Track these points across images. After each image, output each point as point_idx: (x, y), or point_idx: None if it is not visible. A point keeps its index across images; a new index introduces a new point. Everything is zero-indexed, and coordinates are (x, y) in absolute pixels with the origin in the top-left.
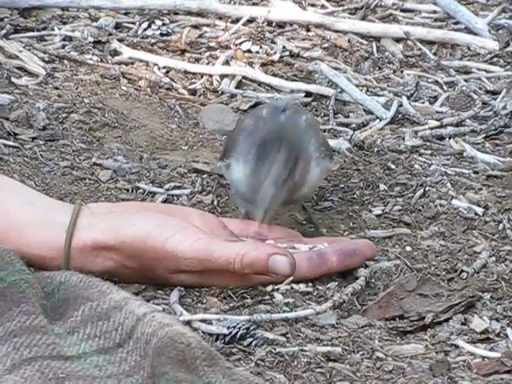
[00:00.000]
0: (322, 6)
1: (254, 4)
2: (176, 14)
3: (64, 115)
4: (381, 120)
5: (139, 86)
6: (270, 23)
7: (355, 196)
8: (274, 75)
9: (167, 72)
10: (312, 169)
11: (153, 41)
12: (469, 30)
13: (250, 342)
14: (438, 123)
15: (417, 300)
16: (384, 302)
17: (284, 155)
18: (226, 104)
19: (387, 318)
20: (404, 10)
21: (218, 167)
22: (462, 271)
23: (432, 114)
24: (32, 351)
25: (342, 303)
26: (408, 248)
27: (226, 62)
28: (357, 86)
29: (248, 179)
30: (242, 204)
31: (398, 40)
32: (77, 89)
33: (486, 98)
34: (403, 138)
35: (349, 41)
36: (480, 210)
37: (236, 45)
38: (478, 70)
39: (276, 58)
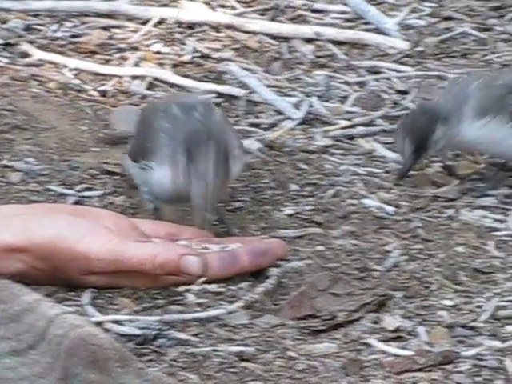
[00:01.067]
0: (232, 7)
1: (163, 5)
2: (86, 15)
3: None
4: (291, 120)
5: (49, 88)
6: (180, 24)
7: (266, 196)
8: (185, 76)
9: (77, 74)
10: (234, 164)
11: (63, 42)
12: (379, 31)
13: (163, 343)
14: (348, 123)
15: (329, 299)
16: (296, 301)
17: (215, 154)
18: (137, 105)
19: (299, 317)
20: (314, 11)
21: (131, 167)
22: (374, 270)
23: (342, 114)
24: None
25: (254, 302)
26: (320, 247)
27: (137, 64)
28: (267, 86)
29: (179, 182)
30: (154, 204)
31: (308, 40)
32: None
33: (396, 97)
34: (314, 138)
35: (259, 41)
36: (391, 209)
37: (146, 46)
38: (388, 69)
39: (186, 59)
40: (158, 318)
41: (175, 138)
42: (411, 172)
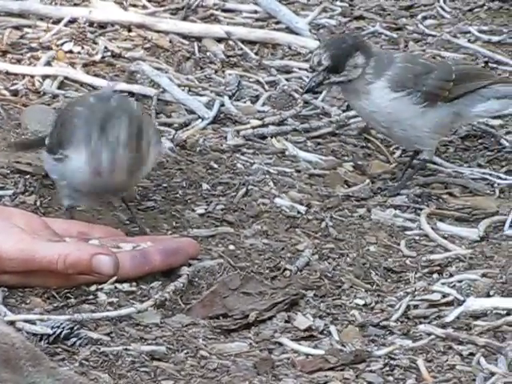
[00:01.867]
0: (143, 7)
1: (75, 5)
2: None
3: None
4: (203, 120)
5: None
6: (91, 24)
7: (178, 195)
8: (96, 75)
9: None
10: (151, 150)
11: None
12: (290, 30)
13: (74, 342)
14: (259, 122)
15: (240, 298)
16: (208, 300)
17: (128, 128)
18: (48, 105)
19: (211, 316)
20: (225, 10)
21: (48, 162)
22: (286, 269)
23: (254, 114)
24: None
25: (164, 301)
26: (231, 247)
27: (48, 63)
28: (179, 85)
29: (95, 162)
30: (68, 198)
31: (219, 40)
32: None
33: (308, 97)
34: (225, 138)
35: (170, 41)
36: (303, 209)
37: (58, 45)
38: (300, 69)
39: (98, 58)
40: (69, 317)
41: (89, 121)
42: (322, 171)
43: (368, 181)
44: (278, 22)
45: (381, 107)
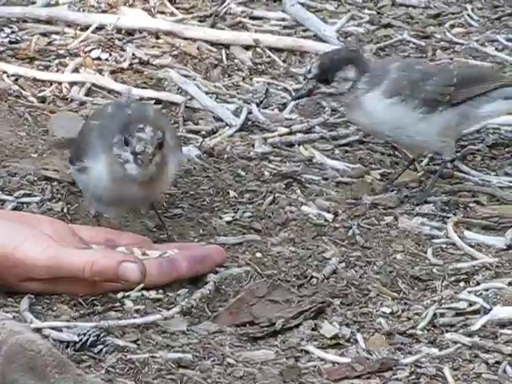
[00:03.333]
0: (172, 14)
1: (103, 11)
2: (25, 21)
3: None
4: (230, 127)
5: None
6: (119, 31)
7: (205, 203)
8: (124, 82)
9: (16, 80)
10: (170, 159)
11: (1, 48)
12: (318, 38)
13: (101, 349)
14: (287, 130)
15: (267, 306)
16: (234, 308)
17: (146, 136)
18: (76, 111)
19: (238, 324)
20: (253, 18)
21: (72, 171)
22: (312, 277)
23: (281, 121)
24: None
25: (191, 308)
26: (258, 254)
27: (76, 70)
28: (206, 93)
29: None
30: (94, 206)
31: (247, 47)
32: None
33: (335, 104)
34: (253, 145)
35: (198, 48)
36: (330, 217)
37: (85, 52)
38: None
39: (125, 65)
40: (95, 324)
41: (105, 133)
42: (350, 179)
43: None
44: (305, 30)
45: (376, 117)
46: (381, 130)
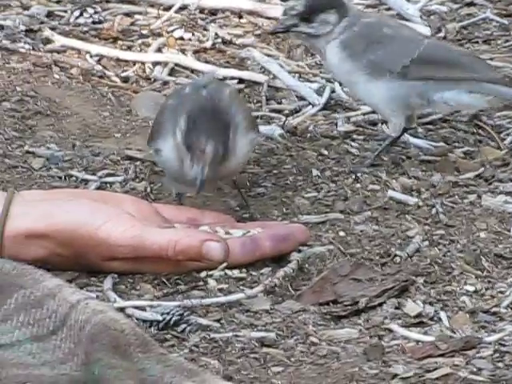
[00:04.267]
0: None
1: None
2: (108, 1)
3: None
4: (313, 106)
5: (71, 74)
6: (202, 10)
7: (288, 182)
8: (207, 62)
9: (99, 60)
10: (239, 140)
11: (85, 29)
12: (400, 16)
13: (184, 328)
14: (370, 109)
15: (350, 285)
16: (318, 286)
17: (214, 125)
18: (159, 91)
19: (321, 302)
20: None
21: (151, 153)
22: (396, 255)
23: None
24: None
25: (274, 287)
26: (341, 233)
27: (159, 50)
28: (289, 72)
29: (180, 150)
30: (174, 186)
31: None
32: (9, 77)
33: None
34: (336, 124)
35: None
36: (413, 195)
37: (168, 32)
38: None
39: (208, 45)
40: (179, 303)
41: (176, 114)
42: (433, 158)
43: (479, 167)
44: (388, 9)
45: (333, 68)
46: (339, 81)
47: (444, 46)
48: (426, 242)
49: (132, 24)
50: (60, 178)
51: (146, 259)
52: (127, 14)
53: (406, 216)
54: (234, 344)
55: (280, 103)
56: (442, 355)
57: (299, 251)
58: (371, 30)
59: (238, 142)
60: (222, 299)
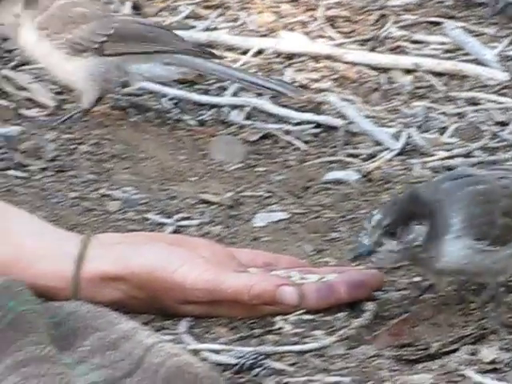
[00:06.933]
0: (331, 38)
1: (262, 36)
2: None
3: (73, 146)
4: (390, 151)
5: (148, 118)
6: (278, 55)
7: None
8: (283, 106)
9: (176, 103)
10: (449, 245)
11: None
12: (478, 62)
13: (259, 372)
14: (447, 154)
15: (429, 329)
16: (396, 329)
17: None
18: (235, 135)
19: (396, 345)
20: (413, 42)
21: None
22: (471, 302)
23: (441, 145)
24: (41, 381)
25: (348, 337)
26: (417, 278)
27: (235, 93)
28: (366, 117)
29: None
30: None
31: (407, 71)
32: (86, 120)
33: (496, 128)
34: (412, 169)
35: (358, 72)
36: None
37: None
38: (487, 101)
39: None
40: (253, 349)
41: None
42: None
43: None
44: (466, 54)
45: (30, 49)
46: (37, 61)
47: (137, 20)
48: (503, 288)
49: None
50: (136, 221)
51: (221, 303)
52: None
53: None
54: None
55: (356, 148)
56: None
57: (374, 298)
58: (65, 11)
59: (446, 247)
60: (296, 347)
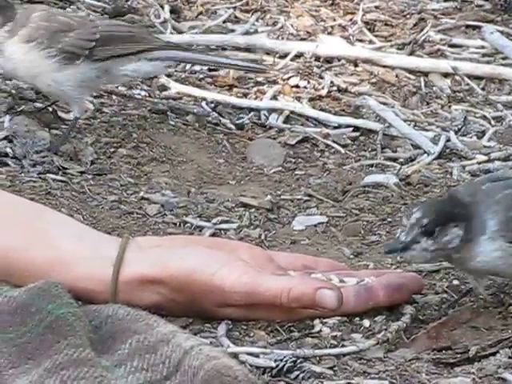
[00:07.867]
0: (370, 42)
1: (301, 39)
2: (224, 49)
3: (112, 150)
4: (428, 155)
5: (187, 121)
6: (317, 58)
7: None
8: (322, 110)
9: (215, 107)
10: (483, 245)
11: (201, 76)
12: None
13: (297, 375)
14: (485, 158)
15: (467, 332)
16: (434, 332)
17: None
18: (274, 139)
19: (435, 348)
20: (452, 46)
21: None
22: (510, 305)
23: (480, 149)
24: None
25: (387, 340)
26: (455, 282)
27: (274, 97)
28: (404, 120)
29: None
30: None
31: (445, 75)
32: (125, 124)
33: None
34: (451, 173)
35: (396, 76)
36: None
37: (284, 80)
38: None
39: (324, 92)
40: (292, 352)
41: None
42: None
43: None
44: (505, 58)
45: (16, 62)
46: (21, 76)
47: (116, 23)
48: None
49: (248, 71)
50: (175, 224)
51: (259, 306)
52: None
53: None
54: None
55: (395, 151)
56: None
57: (413, 300)
58: (49, 21)
59: (481, 247)
60: (335, 350)
